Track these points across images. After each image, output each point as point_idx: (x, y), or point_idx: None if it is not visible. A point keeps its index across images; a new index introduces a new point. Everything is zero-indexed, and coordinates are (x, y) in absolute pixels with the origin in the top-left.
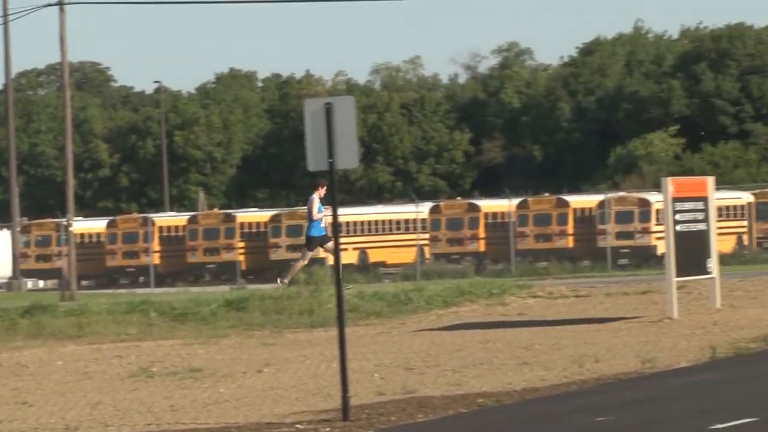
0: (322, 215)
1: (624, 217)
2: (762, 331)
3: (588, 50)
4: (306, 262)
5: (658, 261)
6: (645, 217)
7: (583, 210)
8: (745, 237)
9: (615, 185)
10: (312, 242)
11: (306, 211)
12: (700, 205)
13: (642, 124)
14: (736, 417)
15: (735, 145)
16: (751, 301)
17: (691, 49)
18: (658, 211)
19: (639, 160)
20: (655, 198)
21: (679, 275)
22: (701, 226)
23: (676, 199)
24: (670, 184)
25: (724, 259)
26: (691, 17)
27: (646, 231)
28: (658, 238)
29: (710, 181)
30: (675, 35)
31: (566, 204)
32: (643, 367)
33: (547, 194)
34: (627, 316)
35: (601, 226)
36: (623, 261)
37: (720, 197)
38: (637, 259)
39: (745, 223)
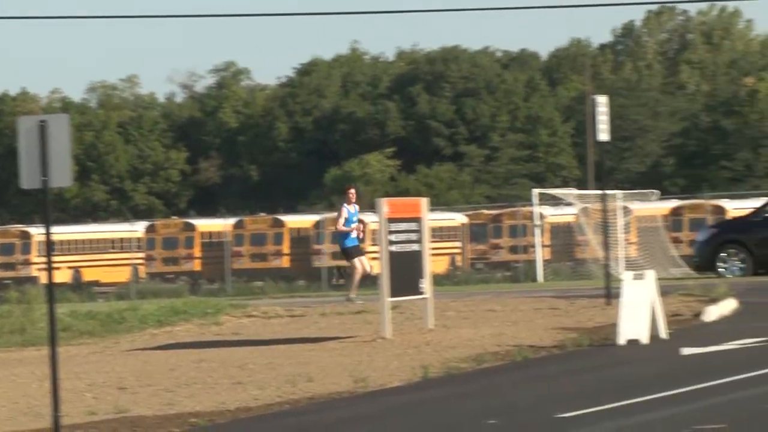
0: (353, 228)
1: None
2: (473, 351)
3: (305, 71)
4: (359, 275)
5: (373, 281)
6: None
7: (299, 230)
8: (458, 258)
9: (331, 205)
10: (348, 253)
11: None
12: (414, 225)
13: (358, 145)
14: None
15: (449, 167)
16: (464, 321)
17: (406, 71)
18: (373, 231)
19: (356, 181)
20: (370, 218)
21: (392, 295)
22: (415, 247)
23: (391, 220)
24: (385, 204)
25: (438, 280)
26: (407, 40)
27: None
28: (374, 258)
29: (424, 202)
30: (391, 57)
31: (282, 224)
32: (356, 386)
33: (263, 214)
34: (341, 336)
35: (316, 246)
36: (339, 281)
37: (434, 218)
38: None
39: (458, 244)
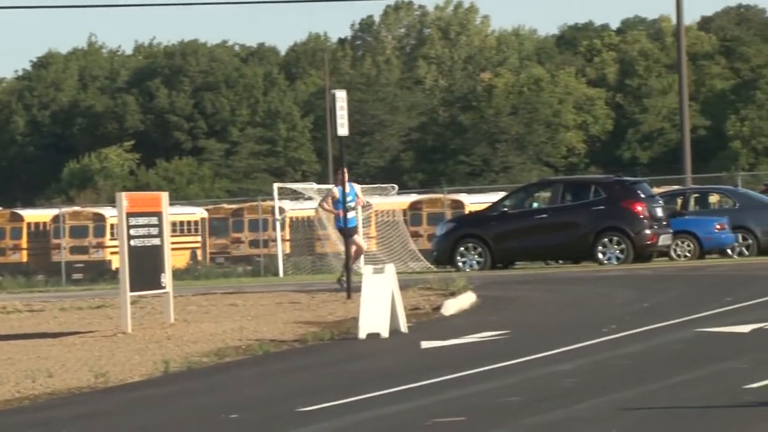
0: (339, 211)
1: (79, 232)
2: (214, 345)
3: (42, 64)
4: (358, 253)
5: (113, 275)
6: (100, 231)
7: (37, 224)
8: (198, 252)
9: (70, 199)
10: (345, 233)
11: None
12: (154, 220)
13: (97, 139)
14: None
15: (189, 161)
16: (205, 315)
17: (145, 65)
18: (113, 225)
19: (94, 175)
20: (110, 213)
21: (133, 290)
22: (156, 241)
23: (130, 214)
24: (125, 198)
25: (178, 274)
26: (145, 33)
27: (101, 246)
28: (113, 253)
29: (164, 196)
30: (129, 51)
31: (20, 218)
32: (96, 381)
33: (0, 208)
34: (81, 331)
35: (55, 241)
36: (78, 275)
37: (174, 212)
38: (92, 274)
39: (199, 238)
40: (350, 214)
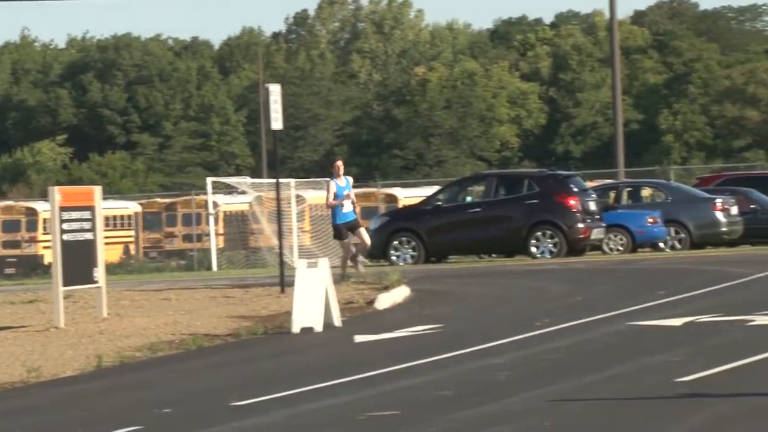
0: (341, 201)
1: (11, 226)
2: (147, 339)
3: None
4: (349, 253)
5: (45, 270)
6: (32, 226)
7: None
8: (132, 247)
9: (2, 194)
10: (338, 231)
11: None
12: (87, 214)
13: (29, 133)
14: (119, 426)
15: (122, 155)
16: (138, 310)
17: (78, 58)
18: (45, 220)
19: (27, 169)
20: (42, 207)
21: (66, 284)
22: (88, 236)
23: (63, 209)
24: (57, 193)
25: (111, 269)
26: (78, 27)
27: (34, 240)
28: (46, 247)
29: (98, 190)
30: (62, 44)
31: None
32: (29, 376)
33: None
34: (13, 326)
35: None
36: (10, 270)
37: (108, 207)
38: (25, 268)
39: (132, 232)
40: (347, 209)
